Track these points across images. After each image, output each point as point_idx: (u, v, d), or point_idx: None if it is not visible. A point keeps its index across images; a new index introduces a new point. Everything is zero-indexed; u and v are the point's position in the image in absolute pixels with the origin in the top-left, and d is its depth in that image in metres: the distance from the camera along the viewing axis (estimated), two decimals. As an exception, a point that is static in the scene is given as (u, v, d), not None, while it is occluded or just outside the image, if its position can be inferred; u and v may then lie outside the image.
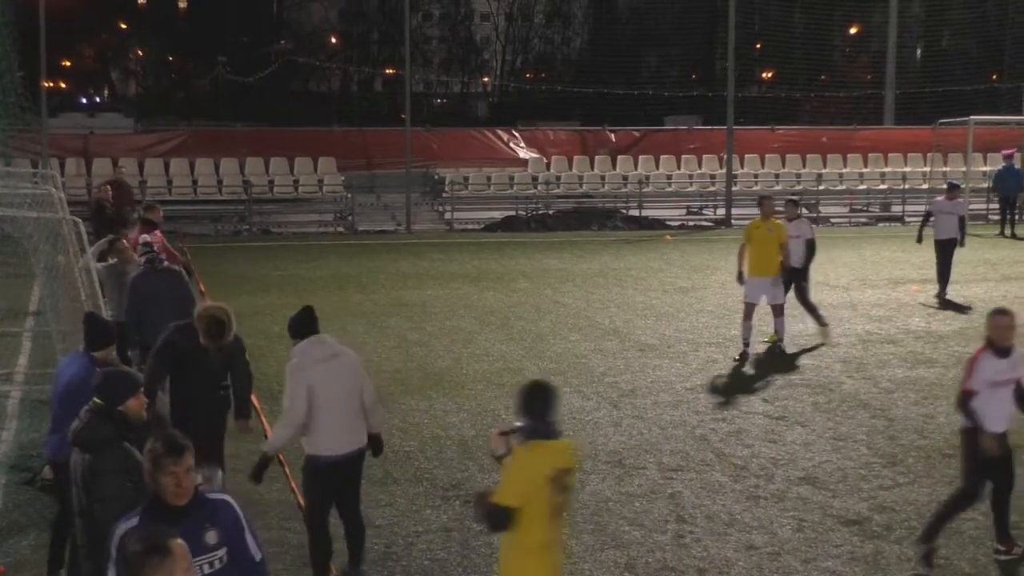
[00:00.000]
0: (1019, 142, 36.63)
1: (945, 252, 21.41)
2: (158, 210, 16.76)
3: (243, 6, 75.68)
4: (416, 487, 11.09)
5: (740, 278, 16.89)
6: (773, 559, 9.41)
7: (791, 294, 17.40)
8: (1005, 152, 31.13)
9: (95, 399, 7.02)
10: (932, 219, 21.82)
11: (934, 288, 21.94)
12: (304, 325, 8.94)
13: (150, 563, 4.72)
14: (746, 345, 16.54)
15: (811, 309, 17.75)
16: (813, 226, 18.53)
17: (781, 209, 18.35)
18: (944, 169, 37.57)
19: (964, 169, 34.63)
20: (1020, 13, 40.53)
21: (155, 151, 35.27)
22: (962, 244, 21.58)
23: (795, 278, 17.39)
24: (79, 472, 6.83)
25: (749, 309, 16.66)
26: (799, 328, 18.65)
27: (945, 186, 22.97)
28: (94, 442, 6.81)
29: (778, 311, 16.98)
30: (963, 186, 32.84)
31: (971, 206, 32.99)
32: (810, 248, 17.54)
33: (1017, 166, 30.11)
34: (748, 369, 15.97)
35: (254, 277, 23.90)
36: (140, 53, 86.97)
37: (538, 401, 6.72)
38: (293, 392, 8.59)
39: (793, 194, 37.20)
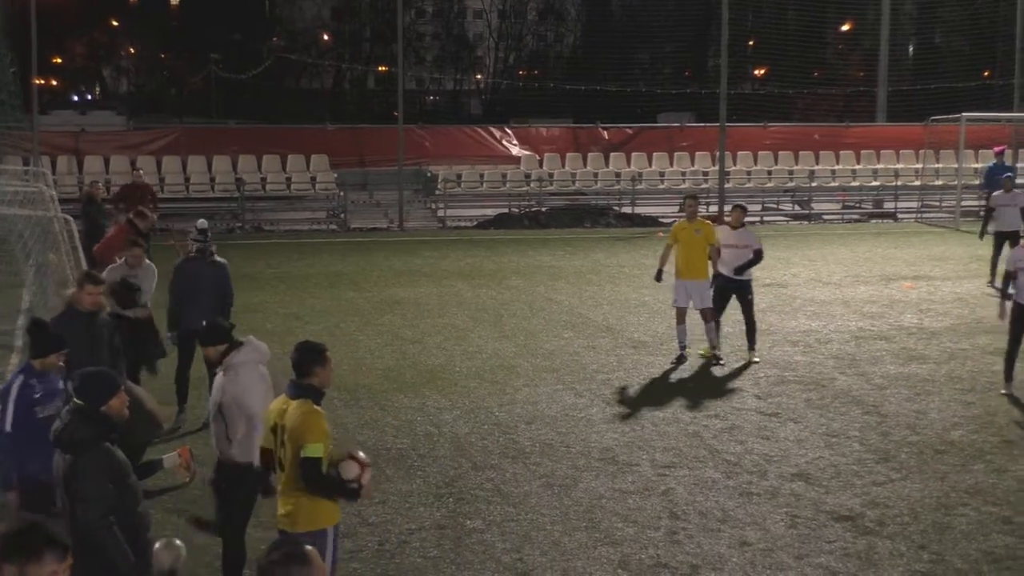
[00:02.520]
0: (1011, 139, 36.66)
1: (1008, 244, 21.70)
2: (149, 218, 16.82)
3: (235, 3, 75.60)
4: (409, 484, 11.07)
5: (658, 276, 16.48)
6: (766, 555, 9.41)
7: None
8: (996, 149, 31.16)
9: (75, 400, 6.96)
10: (994, 212, 22.30)
11: (926, 284, 22.02)
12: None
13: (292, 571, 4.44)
14: (682, 348, 16.30)
15: (752, 327, 16.47)
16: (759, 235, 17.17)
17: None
18: (936, 166, 37.66)
19: (956, 166, 34.68)
20: (1012, 10, 40.52)
21: (147, 149, 35.22)
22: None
23: (737, 290, 16.38)
24: (61, 473, 6.81)
25: (680, 313, 16.24)
26: (792, 325, 18.68)
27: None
28: (76, 443, 6.77)
29: (707, 315, 16.25)
30: (956, 183, 33.01)
31: (963, 203, 33.06)
32: (759, 257, 16.33)
33: (1008, 163, 30.11)
34: (740, 366, 15.96)
35: (247, 275, 23.83)
36: (132, 50, 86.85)
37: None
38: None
39: (787, 191, 37.58)
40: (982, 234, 23.00)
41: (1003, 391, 14.41)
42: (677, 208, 36.93)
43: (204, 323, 9.07)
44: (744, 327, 16.49)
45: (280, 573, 4.44)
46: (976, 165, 36.65)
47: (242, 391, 8.37)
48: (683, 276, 16.22)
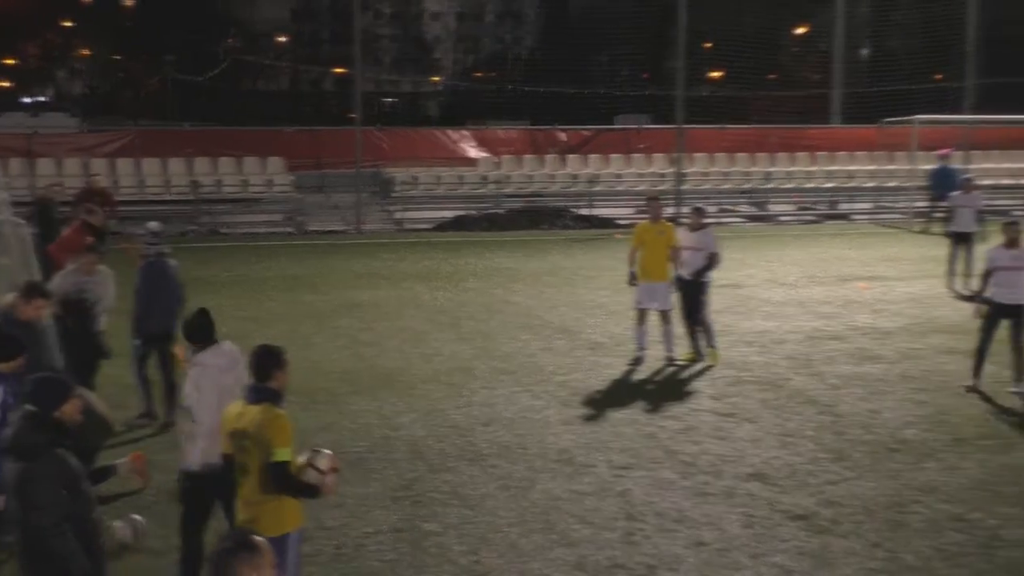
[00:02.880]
0: (960, 141, 36.96)
1: (963, 244, 22.20)
2: (98, 215, 16.65)
3: (191, 4, 75.14)
4: (366, 488, 11.05)
5: (632, 279, 16.40)
6: (722, 555, 9.46)
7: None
8: (941, 152, 31.46)
9: (27, 405, 6.89)
10: (951, 213, 22.66)
11: (880, 284, 22.23)
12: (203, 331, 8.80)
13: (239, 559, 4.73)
14: (640, 350, 16.37)
15: (707, 328, 16.45)
16: (717, 237, 16.88)
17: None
18: (890, 168, 37.97)
19: (909, 167, 34.98)
20: (964, 14, 40.94)
21: (101, 151, 34.90)
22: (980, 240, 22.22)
23: (693, 291, 16.36)
24: (13, 480, 6.73)
25: (641, 315, 16.35)
26: (748, 325, 18.78)
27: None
28: (27, 449, 6.70)
29: (666, 318, 16.25)
30: (908, 185, 33.30)
31: (917, 204, 33.35)
32: (713, 262, 16.34)
33: (953, 166, 30.43)
34: (696, 367, 16.03)
35: (202, 278, 23.66)
36: (86, 52, 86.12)
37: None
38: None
39: (743, 192, 37.77)
40: (946, 233, 23.44)
41: (969, 384, 14.59)
42: (634, 210, 37.16)
43: (195, 317, 8.95)
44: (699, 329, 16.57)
45: (230, 561, 4.69)
46: (930, 167, 37.00)
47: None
48: (646, 278, 16.25)
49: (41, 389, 6.94)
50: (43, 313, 10.43)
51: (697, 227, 16.54)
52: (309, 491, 7.28)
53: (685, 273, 16.33)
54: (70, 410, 6.89)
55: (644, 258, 16.26)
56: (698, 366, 16.05)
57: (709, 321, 16.55)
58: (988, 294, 14.70)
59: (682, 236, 16.44)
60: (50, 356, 10.20)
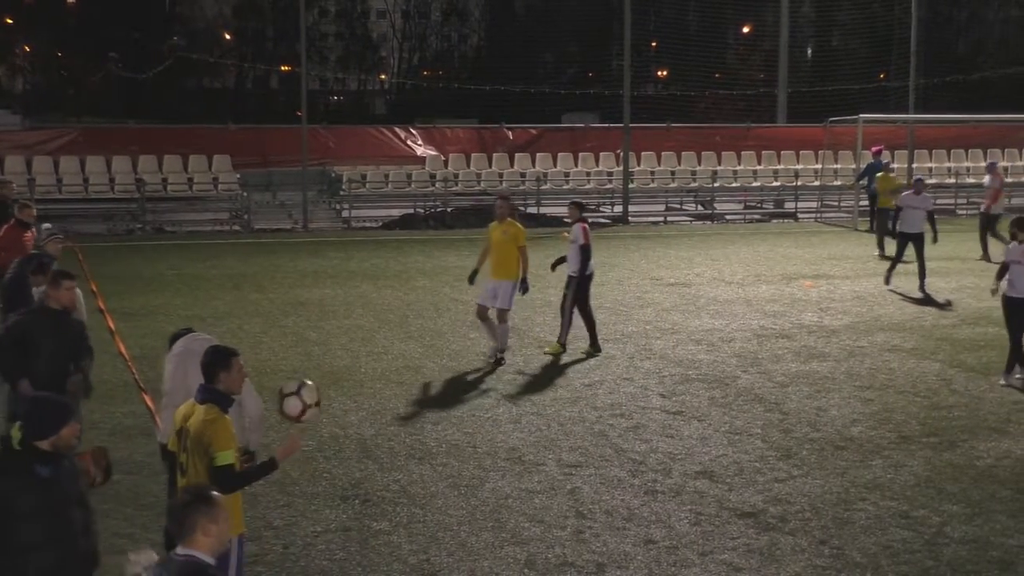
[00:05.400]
0: (892, 140, 37.31)
1: (913, 245, 22.28)
2: (31, 210, 16.42)
3: (134, 1, 74.36)
4: (314, 487, 10.99)
5: (471, 278, 16.88)
6: (671, 552, 9.50)
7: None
8: (873, 149, 31.78)
9: (19, 428, 6.33)
10: (901, 213, 22.69)
11: (826, 283, 22.46)
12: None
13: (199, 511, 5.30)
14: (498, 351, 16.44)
15: (568, 319, 16.78)
16: (589, 231, 16.93)
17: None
18: (835, 166, 38.32)
19: (854, 166, 35.31)
20: (907, 14, 41.40)
21: (44, 148, 34.46)
22: (935, 240, 22.55)
23: (579, 287, 16.73)
24: None
25: (481, 311, 16.44)
26: (695, 324, 18.88)
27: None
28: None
29: (502, 317, 16.26)
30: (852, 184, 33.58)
31: (862, 203, 33.65)
32: (585, 254, 16.61)
33: (885, 162, 30.75)
34: (645, 365, 16.09)
35: (148, 276, 23.52)
36: (27, 48, 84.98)
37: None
38: (171, 378, 8.73)
39: (690, 191, 37.97)
40: (893, 231, 23.56)
41: (1002, 382, 14.94)
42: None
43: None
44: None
45: (188, 512, 5.26)
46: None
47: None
48: (491, 276, 16.44)
49: (38, 412, 6.40)
50: (74, 295, 10.61)
51: (576, 219, 16.93)
52: (259, 474, 7.33)
53: (570, 271, 16.77)
54: (68, 435, 6.37)
55: (491, 257, 16.53)
56: (646, 363, 16.10)
57: (570, 315, 16.79)
58: (1002, 288, 14.96)
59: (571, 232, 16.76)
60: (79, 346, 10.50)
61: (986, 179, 28.53)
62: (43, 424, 6.33)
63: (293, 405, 7.31)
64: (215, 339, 8.73)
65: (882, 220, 27.22)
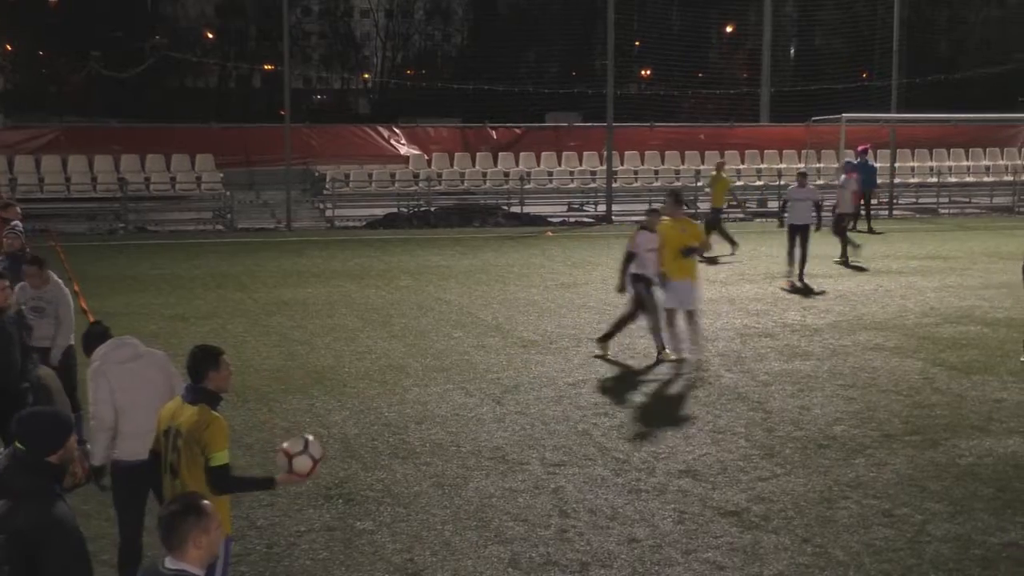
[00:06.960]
0: (875, 139, 37.46)
1: (799, 236, 23.03)
2: (14, 208, 16.37)
3: (116, 0, 74.15)
4: (298, 486, 10.94)
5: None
6: (655, 551, 9.51)
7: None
8: (860, 148, 31.90)
9: (17, 443, 5.96)
10: (787, 205, 23.75)
11: (810, 281, 22.62)
12: (96, 341, 8.67)
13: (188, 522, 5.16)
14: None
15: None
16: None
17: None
18: (818, 165, 38.43)
19: (837, 165, 35.40)
20: (889, 13, 41.56)
21: (26, 148, 34.38)
22: (818, 228, 23.70)
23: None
24: None
25: (670, 315, 16.41)
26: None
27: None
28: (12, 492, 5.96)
29: (693, 317, 16.40)
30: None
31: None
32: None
33: (871, 161, 30.87)
34: (630, 364, 16.11)
35: (130, 276, 23.46)
36: (8, 47, 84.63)
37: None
38: (96, 396, 8.29)
39: (673, 191, 37.95)
40: (780, 223, 24.58)
41: None
42: (565, 207, 37.33)
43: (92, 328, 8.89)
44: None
45: (179, 522, 5.13)
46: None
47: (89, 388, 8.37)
48: (671, 276, 16.32)
49: (37, 427, 5.99)
50: (8, 294, 10.37)
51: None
52: (252, 485, 7.47)
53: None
54: (69, 450, 6.01)
55: (666, 256, 16.29)
56: (630, 362, 16.11)
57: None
58: None
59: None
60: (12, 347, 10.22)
61: (841, 178, 28.57)
62: (44, 441, 6.05)
63: (304, 464, 7.22)
64: (138, 341, 8.57)
65: (714, 218, 28.11)
